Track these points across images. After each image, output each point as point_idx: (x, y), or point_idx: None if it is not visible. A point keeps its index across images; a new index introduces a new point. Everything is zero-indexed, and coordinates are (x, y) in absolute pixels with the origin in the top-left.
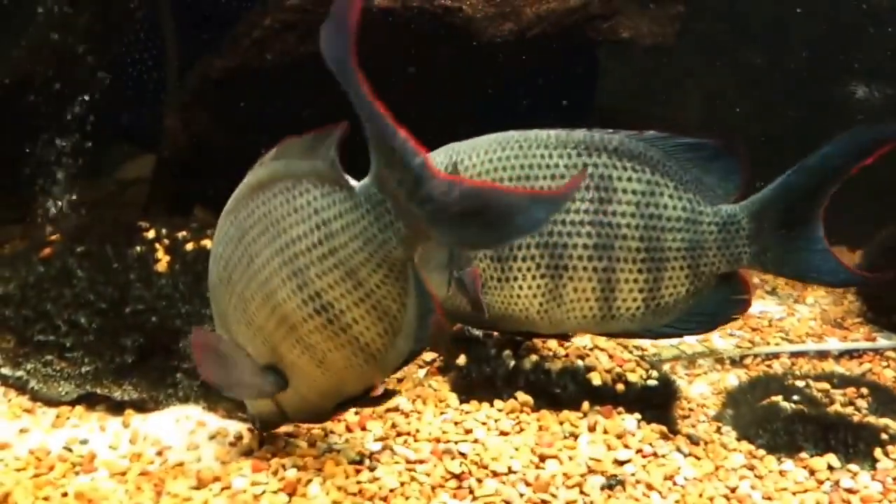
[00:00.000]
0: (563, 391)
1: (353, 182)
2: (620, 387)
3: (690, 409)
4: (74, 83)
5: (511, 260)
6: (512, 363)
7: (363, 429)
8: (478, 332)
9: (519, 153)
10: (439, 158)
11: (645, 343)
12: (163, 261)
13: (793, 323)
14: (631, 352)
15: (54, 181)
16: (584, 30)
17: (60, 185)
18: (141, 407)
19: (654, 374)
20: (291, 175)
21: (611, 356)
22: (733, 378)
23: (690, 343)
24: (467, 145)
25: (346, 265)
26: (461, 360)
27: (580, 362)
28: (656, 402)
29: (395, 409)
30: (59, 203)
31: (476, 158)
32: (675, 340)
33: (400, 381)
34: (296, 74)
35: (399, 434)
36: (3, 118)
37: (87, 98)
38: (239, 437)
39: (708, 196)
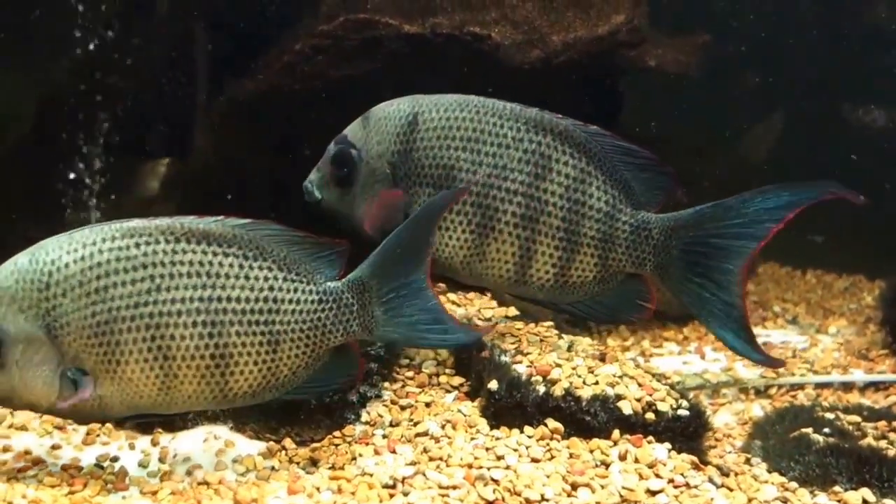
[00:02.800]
0: (592, 419)
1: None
2: (650, 415)
3: (717, 440)
4: (107, 103)
5: (448, 211)
6: (542, 389)
7: (393, 452)
8: None
9: (475, 117)
10: (404, 106)
11: (668, 371)
12: None
13: (816, 353)
14: (660, 380)
15: (85, 198)
16: (611, 57)
17: (91, 202)
18: (169, 425)
19: (684, 403)
20: (256, 250)
21: (640, 384)
22: (758, 408)
23: (714, 372)
24: (431, 100)
25: (274, 336)
26: (492, 385)
27: (610, 390)
28: (687, 432)
29: (425, 434)
30: (91, 220)
31: (436, 114)
32: (698, 369)
33: (428, 405)
34: (325, 98)
35: (431, 459)
36: (36, 136)
37: (117, 116)
38: (267, 458)
39: (630, 199)
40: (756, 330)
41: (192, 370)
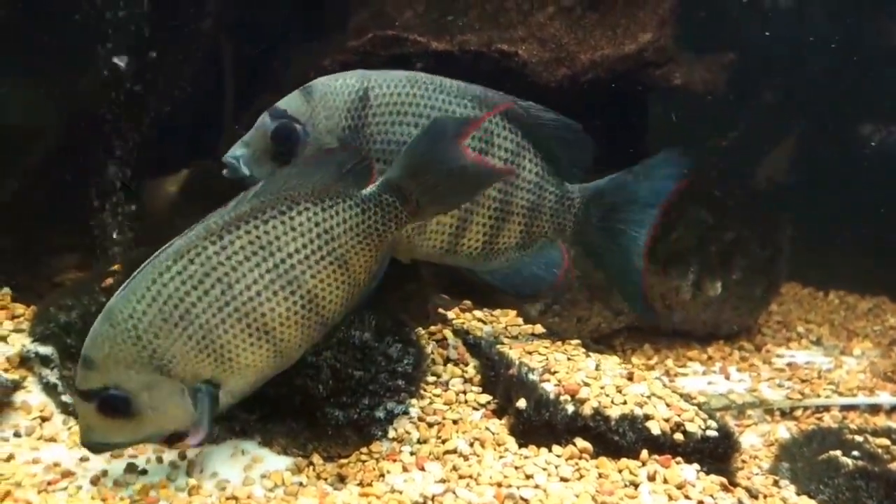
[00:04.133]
0: (621, 438)
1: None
2: (679, 436)
3: (743, 461)
4: (136, 117)
5: None
6: (571, 408)
7: (422, 469)
8: None
9: (424, 94)
10: (352, 81)
11: (693, 391)
12: None
13: (842, 375)
14: (687, 400)
15: (113, 211)
16: (638, 76)
17: (119, 215)
18: None
19: (713, 424)
20: (286, 200)
21: (668, 405)
22: (784, 430)
23: (739, 393)
24: (380, 75)
25: (341, 258)
26: (521, 403)
27: (638, 410)
28: (715, 453)
29: (454, 452)
30: (119, 233)
31: (387, 90)
32: (723, 389)
33: (455, 422)
34: None
35: (461, 477)
36: (65, 148)
37: (146, 130)
38: (295, 473)
39: (556, 169)
40: (780, 350)
41: (293, 327)
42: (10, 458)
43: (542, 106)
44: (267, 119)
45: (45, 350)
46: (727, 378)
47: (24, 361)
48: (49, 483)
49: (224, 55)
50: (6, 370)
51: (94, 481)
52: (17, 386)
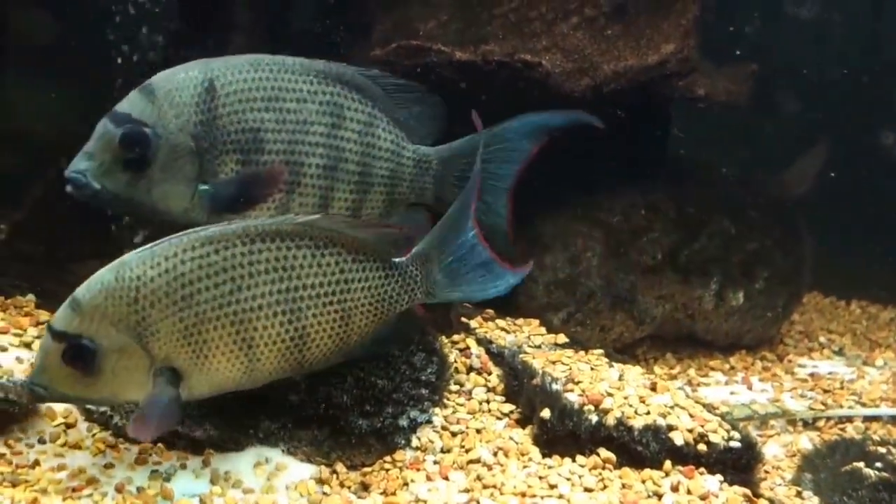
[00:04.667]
0: (644, 449)
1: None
2: (702, 447)
3: (766, 472)
4: None
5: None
6: (595, 419)
7: (445, 479)
8: None
9: (270, 76)
10: (195, 73)
11: (716, 401)
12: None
13: (864, 385)
14: (710, 411)
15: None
16: (661, 86)
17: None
18: (221, 447)
19: (736, 435)
20: (325, 239)
21: (692, 415)
22: (806, 441)
23: (762, 403)
24: (222, 63)
25: (346, 312)
26: (545, 413)
27: (661, 420)
28: (739, 464)
29: (477, 461)
30: (139, 238)
31: (232, 77)
32: (746, 399)
33: (479, 432)
34: None
35: (485, 487)
36: None
37: None
38: (319, 482)
39: (409, 134)
40: (802, 360)
41: (274, 353)
42: (35, 464)
43: (387, 73)
44: (109, 125)
45: None
46: (749, 388)
47: None
48: (74, 490)
49: None
50: None
51: (119, 489)
52: None
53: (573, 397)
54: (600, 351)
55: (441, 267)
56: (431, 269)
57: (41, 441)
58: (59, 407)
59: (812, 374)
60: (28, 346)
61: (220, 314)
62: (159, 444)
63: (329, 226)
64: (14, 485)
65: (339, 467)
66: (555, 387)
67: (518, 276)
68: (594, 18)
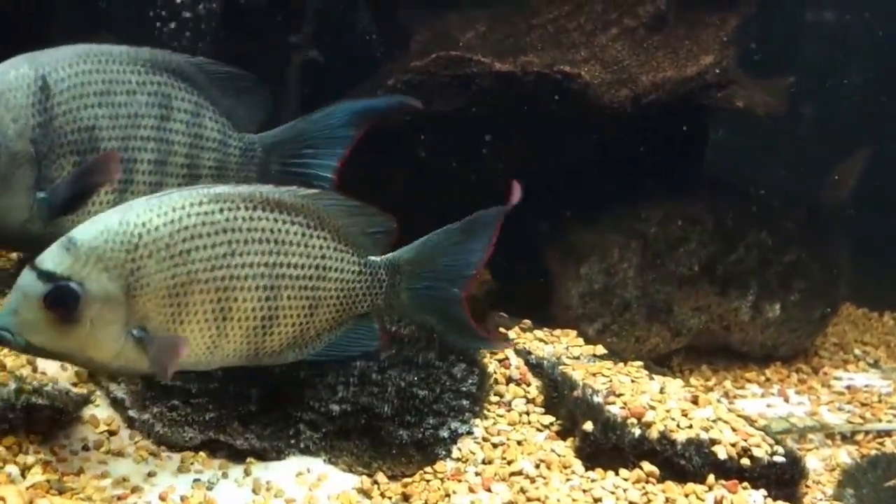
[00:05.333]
0: (688, 463)
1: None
2: (746, 461)
3: (807, 486)
4: None
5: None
6: (638, 432)
7: (488, 490)
8: None
9: (99, 67)
10: (24, 70)
11: (753, 413)
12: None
13: None
14: (751, 424)
15: None
16: (699, 98)
17: None
18: (262, 456)
19: (780, 449)
20: (317, 220)
21: (734, 429)
22: (845, 455)
23: (800, 416)
24: (49, 57)
25: (316, 300)
26: (587, 426)
27: (704, 434)
28: (783, 479)
29: (520, 473)
30: None
31: (63, 72)
32: (783, 412)
33: (520, 443)
34: (416, 134)
35: (529, 500)
36: None
37: None
38: (361, 492)
39: (236, 123)
40: (837, 372)
41: (242, 331)
42: (80, 471)
43: (213, 61)
44: None
45: None
46: (786, 401)
47: (92, 375)
48: (119, 498)
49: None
50: (75, 384)
51: (163, 497)
52: (85, 400)
53: (615, 410)
54: (639, 363)
55: (410, 287)
56: (399, 282)
57: (85, 448)
58: (102, 414)
59: (848, 387)
60: None
61: (210, 277)
62: (201, 453)
63: (327, 204)
64: (61, 492)
65: (380, 478)
66: (596, 399)
67: (490, 345)
68: (633, 30)
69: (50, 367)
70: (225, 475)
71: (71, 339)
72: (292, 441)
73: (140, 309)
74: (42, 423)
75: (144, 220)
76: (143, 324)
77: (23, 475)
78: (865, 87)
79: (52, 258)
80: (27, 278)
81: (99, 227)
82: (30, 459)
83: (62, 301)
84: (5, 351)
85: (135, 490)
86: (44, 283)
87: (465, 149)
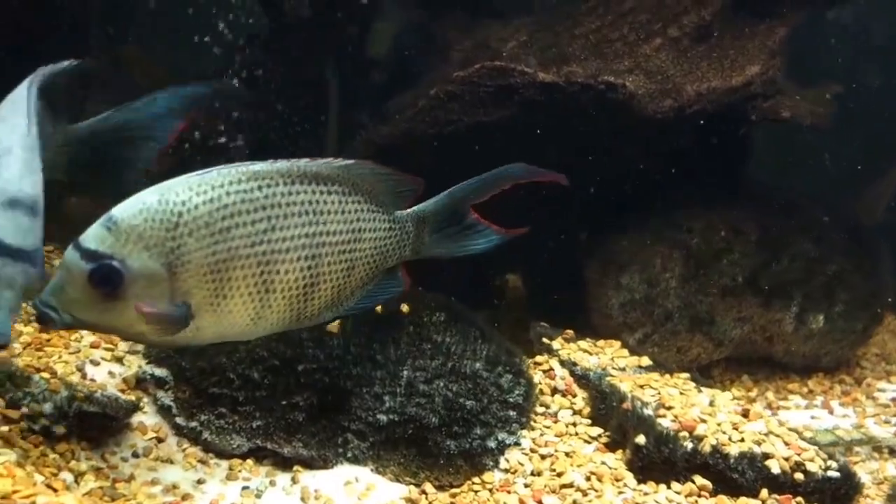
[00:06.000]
0: (740, 476)
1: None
2: (799, 476)
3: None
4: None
5: None
6: (690, 445)
7: (539, 502)
8: None
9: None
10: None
11: (798, 426)
12: (334, 322)
13: None
14: (804, 438)
15: None
16: (744, 108)
17: None
18: (309, 464)
19: (834, 464)
20: (351, 186)
21: (787, 443)
22: (893, 468)
23: (846, 429)
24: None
25: (353, 262)
26: (640, 439)
27: (757, 448)
28: (837, 494)
29: (571, 486)
30: None
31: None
32: (829, 425)
33: (569, 455)
34: (457, 144)
35: None
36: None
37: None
38: (409, 502)
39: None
40: (881, 384)
41: (285, 301)
42: (130, 478)
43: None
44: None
45: (161, 372)
46: (831, 413)
47: (140, 383)
48: None
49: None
50: (123, 391)
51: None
52: (134, 407)
53: (667, 423)
54: (686, 374)
55: (434, 229)
56: (423, 229)
57: (134, 455)
58: (149, 421)
59: (894, 399)
60: (119, 360)
61: (251, 252)
62: (248, 460)
63: (361, 171)
64: (113, 499)
65: (428, 488)
66: (646, 412)
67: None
68: (678, 39)
69: (98, 374)
70: (272, 483)
71: (116, 315)
72: (340, 450)
73: (182, 285)
74: (93, 430)
75: (184, 198)
76: (186, 299)
77: (76, 482)
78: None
79: (95, 237)
80: (71, 257)
81: (139, 206)
82: (83, 466)
83: (107, 279)
84: (55, 357)
85: (185, 497)
86: (87, 261)
87: (507, 159)
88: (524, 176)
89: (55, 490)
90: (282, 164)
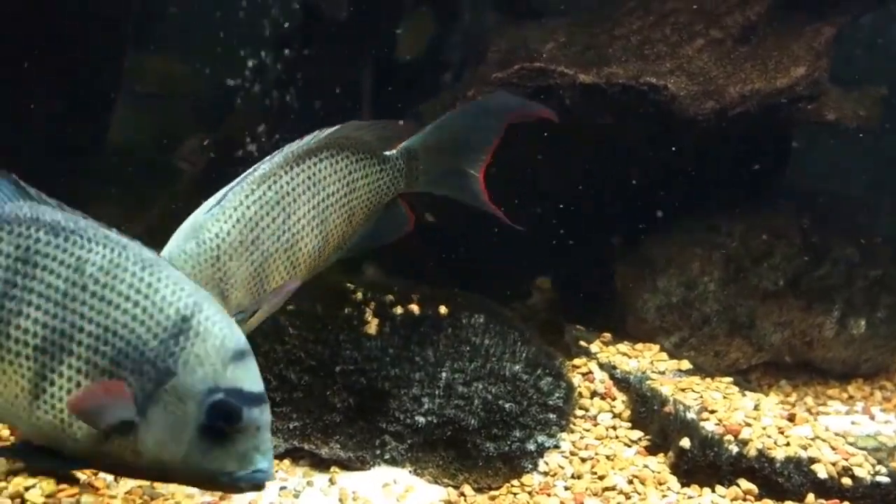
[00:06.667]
0: (786, 481)
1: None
2: (847, 480)
3: None
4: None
5: None
6: (735, 449)
7: None
8: None
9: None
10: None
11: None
12: (371, 323)
13: None
14: (853, 443)
15: None
16: (788, 110)
17: None
18: (346, 466)
19: (883, 469)
20: (340, 145)
21: (834, 448)
22: None
23: (888, 435)
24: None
25: (352, 209)
26: (684, 442)
27: (803, 452)
28: (887, 500)
29: (613, 489)
30: None
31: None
32: (870, 430)
33: (609, 458)
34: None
35: None
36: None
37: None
38: None
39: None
40: None
41: (306, 265)
42: None
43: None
44: None
45: None
46: (872, 419)
47: None
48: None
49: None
50: None
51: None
52: None
53: (710, 426)
54: (729, 378)
55: (425, 165)
56: (416, 165)
57: None
58: None
59: None
60: None
61: (278, 246)
62: (285, 461)
63: (344, 132)
64: (152, 498)
65: (467, 490)
66: (689, 415)
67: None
68: (721, 41)
69: None
70: (310, 483)
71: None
72: (377, 451)
73: (234, 301)
74: None
75: (217, 231)
76: (240, 308)
77: (116, 481)
78: None
79: None
80: None
81: (182, 256)
82: None
83: None
84: None
85: (223, 497)
86: None
87: (546, 160)
88: (512, 108)
89: (97, 489)
90: (278, 157)
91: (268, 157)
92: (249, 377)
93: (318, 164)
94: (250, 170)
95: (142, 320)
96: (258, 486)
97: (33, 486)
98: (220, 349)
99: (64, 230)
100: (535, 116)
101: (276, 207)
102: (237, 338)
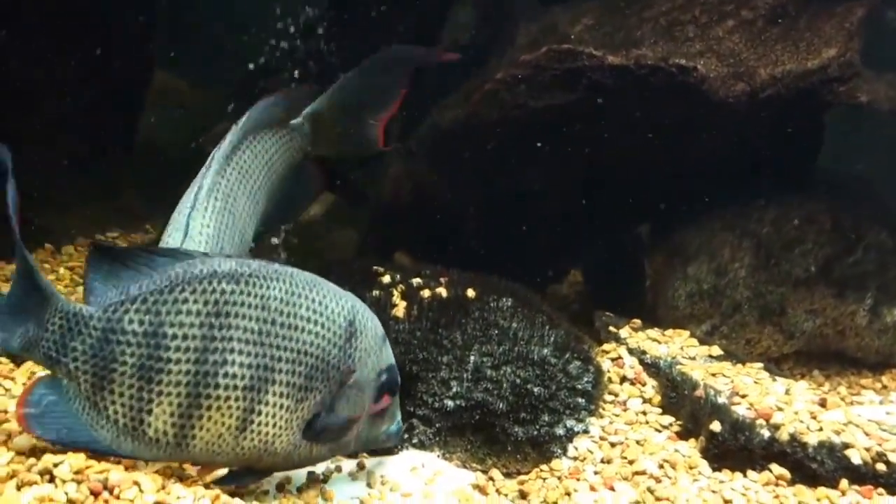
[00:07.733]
0: (819, 466)
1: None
2: (881, 466)
3: None
4: None
5: None
6: (767, 434)
7: (611, 489)
8: None
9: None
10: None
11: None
12: (400, 306)
13: None
14: (887, 430)
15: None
16: (820, 92)
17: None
18: (373, 451)
19: None
20: (251, 137)
21: (867, 433)
22: None
23: None
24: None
25: (273, 182)
26: (715, 426)
27: (836, 437)
28: None
29: (643, 473)
30: (276, 240)
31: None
32: None
33: (639, 443)
34: (523, 128)
35: (657, 499)
36: None
37: None
38: (476, 489)
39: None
40: None
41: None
42: None
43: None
44: None
45: None
46: None
47: None
48: (236, 489)
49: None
50: None
51: (280, 487)
52: None
53: (742, 411)
54: (759, 364)
55: (330, 125)
56: (319, 126)
57: None
58: None
59: None
60: None
61: (234, 245)
62: None
63: (253, 116)
64: (181, 479)
65: (495, 474)
66: (720, 400)
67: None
68: (751, 22)
69: None
70: (338, 469)
71: None
72: (406, 435)
73: None
74: None
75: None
76: None
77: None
78: None
79: None
80: None
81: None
82: None
83: None
84: None
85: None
86: None
87: (574, 143)
88: (410, 57)
89: (126, 467)
90: (214, 166)
91: (203, 168)
92: (389, 351)
93: (243, 157)
94: (195, 188)
95: (323, 335)
96: (400, 437)
97: (61, 462)
98: (376, 337)
99: (242, 276)
100: (434, 62)
101: (225, 214)
102: (378, 322)
